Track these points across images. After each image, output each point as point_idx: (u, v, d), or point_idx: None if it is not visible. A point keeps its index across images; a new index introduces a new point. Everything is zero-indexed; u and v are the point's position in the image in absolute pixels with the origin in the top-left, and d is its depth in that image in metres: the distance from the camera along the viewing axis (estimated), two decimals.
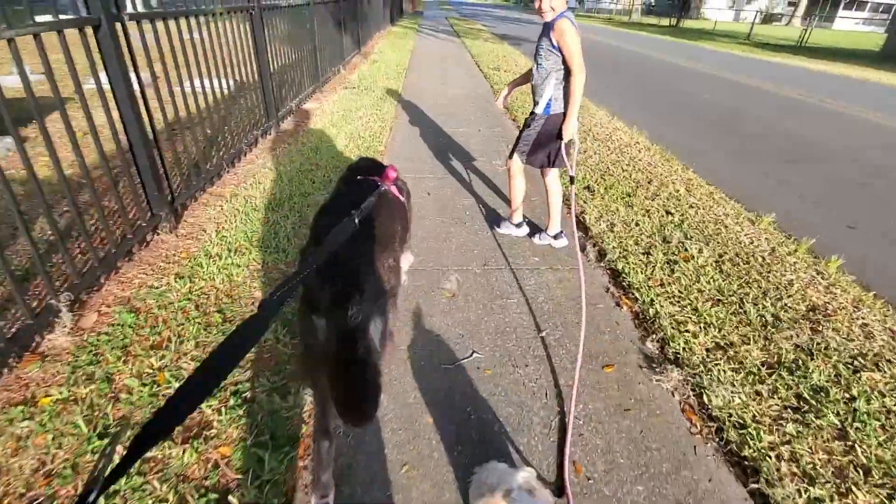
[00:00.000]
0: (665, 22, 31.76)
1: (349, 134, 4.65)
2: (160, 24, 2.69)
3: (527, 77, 2.63)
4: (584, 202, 3.28)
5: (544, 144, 2.51)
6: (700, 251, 2.67)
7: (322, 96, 6.29)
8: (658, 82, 9.28)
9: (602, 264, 2.62)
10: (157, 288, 2.26)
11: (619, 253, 2.65)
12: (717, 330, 2.05)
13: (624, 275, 2.46)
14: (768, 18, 40.88)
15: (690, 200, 3.36)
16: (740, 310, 2.20)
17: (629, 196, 3.40)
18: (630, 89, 8.46)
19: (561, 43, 2.23)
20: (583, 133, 4.91)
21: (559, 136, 2.43)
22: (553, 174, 2.65)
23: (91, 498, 0.51)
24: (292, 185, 3.41)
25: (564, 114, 2.40)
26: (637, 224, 2.99)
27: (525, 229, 2.88)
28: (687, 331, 2.04)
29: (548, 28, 2.29)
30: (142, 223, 2.57)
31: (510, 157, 2.67)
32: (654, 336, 2.03)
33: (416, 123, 5.29)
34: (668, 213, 3.17)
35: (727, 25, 33.13)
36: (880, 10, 40.34)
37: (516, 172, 2.68)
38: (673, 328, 2.05)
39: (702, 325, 2.08)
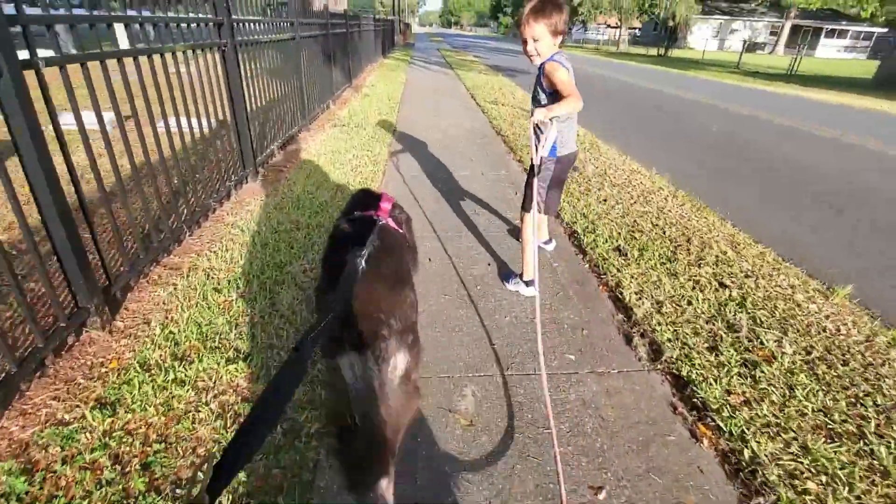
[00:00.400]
0: (653, 52, 32.27)
1: (337, 180, 4.11)
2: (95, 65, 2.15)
3: None
4: (618, 270, 2.73)
5: (557, 189, 2.45)
6: (780, 344, 2.11)
7: (309, 136, 5.78)
8: (649, 112, 8.93)
9: (659, 366, 2.04)
10: (66, 424, 1.64)
11: (680, 350, 2.07)
12: (846, 488, 1.46)
13: (692, 385, 1.88)
14: (751, 47, 41.88)
15: (744, 267, 2.81)
16: (865, 448, 1.62)
17: (669, 261, 2.85)
18: (621, 115, 8.09)
19: (553, 80, 2.09)
20: (598, 178, 4.41)
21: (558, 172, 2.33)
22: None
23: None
24: (266, 252, 2.82)
25: (573, 151, 2.36)
26: (689, 302, 2.43)
27: (534, 290, 2.49)
28: (806, 491, 1.45)
29: (540, 72, 2.19)
30: (60, 323, 1.96)
31: (523, 209, 2.48)
32: (761, 500, 1.44)
33: (411, 166, 4.77)
34: (722, 285, 2.61)
35: (713, 54, 33.76)
36: (861, 37, 41.53)
37: (529, 227, 2.42)
38: (785, 485, 1.46)
39: (823, 478, 1.49)
